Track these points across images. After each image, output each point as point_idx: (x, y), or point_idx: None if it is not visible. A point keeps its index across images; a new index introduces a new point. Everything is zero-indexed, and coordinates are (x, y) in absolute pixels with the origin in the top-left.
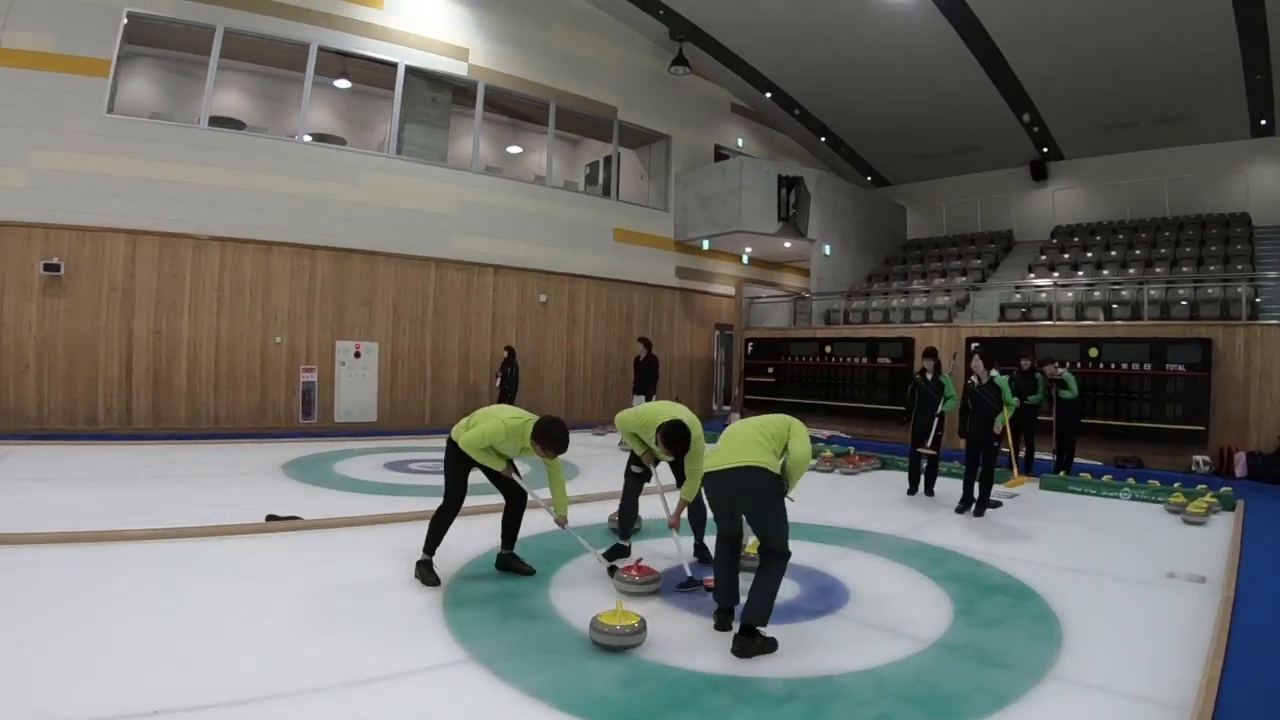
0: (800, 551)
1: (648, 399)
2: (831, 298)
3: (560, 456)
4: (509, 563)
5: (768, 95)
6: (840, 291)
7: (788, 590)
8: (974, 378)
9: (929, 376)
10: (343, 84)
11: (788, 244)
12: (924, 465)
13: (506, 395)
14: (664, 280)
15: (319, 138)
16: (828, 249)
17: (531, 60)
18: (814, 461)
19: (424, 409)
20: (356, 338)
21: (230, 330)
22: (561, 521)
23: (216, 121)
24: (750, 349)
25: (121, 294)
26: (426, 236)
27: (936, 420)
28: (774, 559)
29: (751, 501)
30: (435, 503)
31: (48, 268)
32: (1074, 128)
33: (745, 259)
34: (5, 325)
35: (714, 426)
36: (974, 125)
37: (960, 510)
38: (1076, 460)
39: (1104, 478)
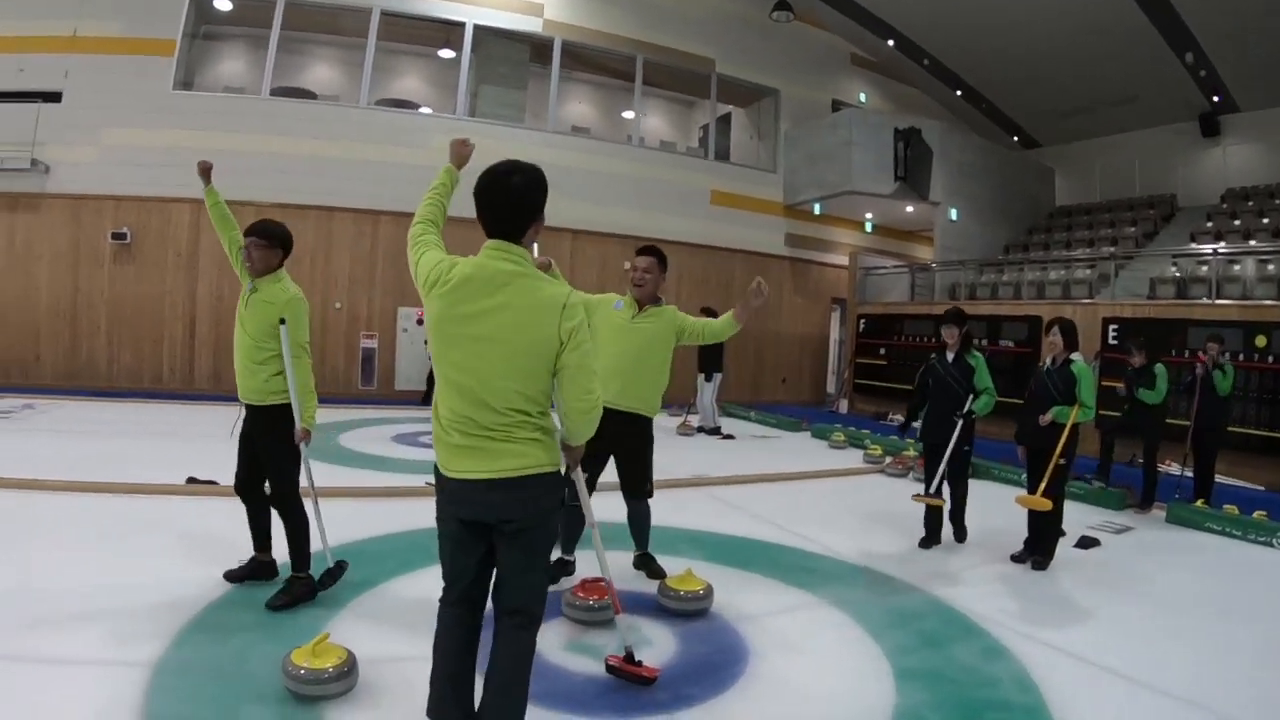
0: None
1: (708, 378)
2: (955, 270)
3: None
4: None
5: (890, 43)
6: (962, 261)
7: (642, 652)
8: (1047, 358)
9: (949, 356)
10: (447, 54)
11: (910, 208)
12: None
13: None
14: (771, 249)
15: (396, 103)
16: (954, 213)
17: (613, 12)
18: (858, 457)
19: None
20: (420, 304)
21: None
22: (304, 434)
23: (295, 93)
24: (862, 326)
25: (186, 260)
26: None
27: (957, 431)
28: (515, 625)
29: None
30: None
31: (115, 236)
32: (1250, 71)
33: (868, 226)
34: (80, 290)
35: (821, 418)
36: (1130, 71)
37: (1018, 558)
38: (1221, 482)
39: (1255, 513)
